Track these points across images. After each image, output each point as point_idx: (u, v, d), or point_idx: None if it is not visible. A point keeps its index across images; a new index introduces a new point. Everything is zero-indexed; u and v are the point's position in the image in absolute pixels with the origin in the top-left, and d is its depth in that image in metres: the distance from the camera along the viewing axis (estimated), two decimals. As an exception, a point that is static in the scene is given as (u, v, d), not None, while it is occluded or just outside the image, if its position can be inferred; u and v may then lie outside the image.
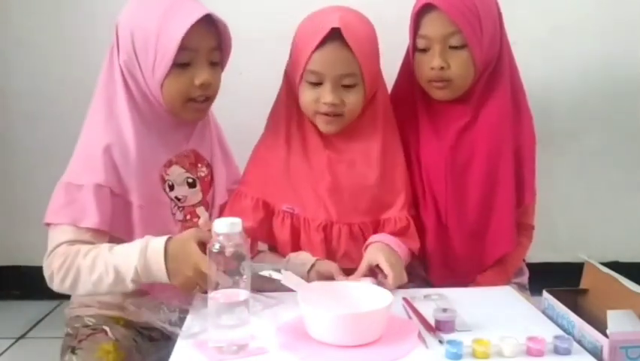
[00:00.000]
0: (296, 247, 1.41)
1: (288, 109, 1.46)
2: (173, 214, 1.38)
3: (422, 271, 1.51)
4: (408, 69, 1.53)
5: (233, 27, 1.35)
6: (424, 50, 1.45)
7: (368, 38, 1.40)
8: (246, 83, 1.98)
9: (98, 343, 1.29)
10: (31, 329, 2.05)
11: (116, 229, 1.28)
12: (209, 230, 1.07)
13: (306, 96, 1.39)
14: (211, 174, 1.45)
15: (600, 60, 2.15)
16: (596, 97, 2.17)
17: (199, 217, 1.30)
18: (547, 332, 1.04)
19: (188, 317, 1.14)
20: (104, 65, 1.36)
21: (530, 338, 1.00)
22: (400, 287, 1.31)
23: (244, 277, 1.01)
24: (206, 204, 1.42)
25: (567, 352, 0.99)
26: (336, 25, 1.33)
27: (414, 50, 1.48)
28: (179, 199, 1.39)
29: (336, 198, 1.40)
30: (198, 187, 1.42)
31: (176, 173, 1.39)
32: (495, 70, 1.48)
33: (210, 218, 1.30)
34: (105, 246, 1.23)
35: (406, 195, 1.46)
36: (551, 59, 2.13)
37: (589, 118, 2.19)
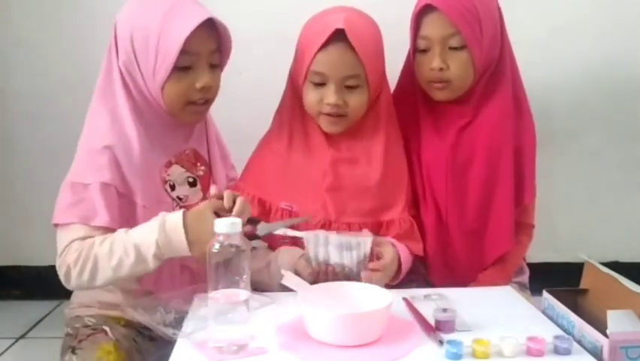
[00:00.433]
0: (293, 245, 1.40)
1: (292, 108, 1.46)
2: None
3: (423, 269, 1.51)
4: (409, 70, 1.53)
5: (233, 27, 1.35)
6: (424, 51, 1.45)
7: (373, 40, 1.40)
8: (245, 83, 1.98)
9: (98, 343, 1.29)
10: (31, 329, 2.05)
11: (122, 227, 1.28)
12: (222, 199, 1.20)
13: (310, 96, 1.39)
14: (210, 173, 1.46)
15: (600, 60, 2.15)
16: (596, 97, 2.17)
17: None
18: (547, 332, 1.04)
19: (188, 317, 1.14)
20: (102, 65, 1.36)
21: (530, 338, 1.00)
22: (401, 287, 1.31)
23: (244, 277, 1.01)
24: (206, 204, 1.42)
25: (567, 352, 0.99)
26: (340, 26, 1.32)
27: (414, 50, 1.48)
28: (180, 199, 1.39)
29: (336, 198, 1.40)
30: (199, 186, 1.42)
31: (177, 173, 1.39)
32: (496, 70, 1.49)
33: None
34: (120, 230, 1.24)
35: (407, 196, 1.46)
36: (551, 59, 2.13)
37: (589, 118, 2.19)
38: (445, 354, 0.99)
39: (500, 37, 1.47)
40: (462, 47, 1.42)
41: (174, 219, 1.21)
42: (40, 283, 2.16)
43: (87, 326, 1.34)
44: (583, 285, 1.22)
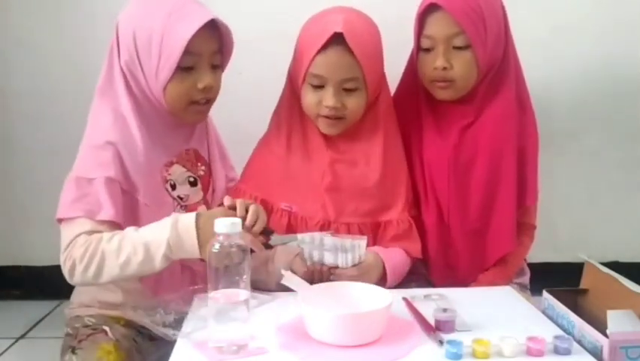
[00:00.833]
0: None
1: (290, 108, 1.46)
2: (176, 214, 1.38)
3: (424, 269, 1.51)
4: (412, 69, 1.53)
5: (233, 27, 1.35)
6: (428, 50, 1.45)
7: (372, 42, 1.39)
8: (246, 83, 1.98)
9: (98, 343, 1.29)
10: (31, 329, 2.05)
11: (126, 224, 1.28)
12: (234, 209, 1.21)
13: (308, 98, 1.39)
14: (209, 172, 1.46)
15: (600, 60, 2.15)
16: (596, 97, 2.17)
17: None
18: (547, 332, 1.04)
19: (188, 317, 1.14)
20: (104, 64, 1.36)
21: (530, 338, 1.00)
22: (401, 287, 1.32)
23: (244, 277, 1.01)
24: (207, 203, 1.42)
25: (567, 352, 0.99)
26: (339, 29, 1.32)
27: (418, 49, 1.48)
28: (181, 198, 1.39)
29: (336, 198, 1.40)
30: (199, 186, 1.42)
31: (178, 172, 1.39)
32: (500, 70, 1.48)
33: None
34: (129, 228, 1.24)
35: (407, 197, 1.46)
36: (551, 59, 2.13)
37: (589, 118, 2.19)
38: (445, 354, 0.99)
39: (504, 37, 1.47)
40: (466, 47, 1.42)
41: (187, 219, 1.21)
42: (40, 283, 2.16)
43: (87, 326, 1.34)
44: (583, 285, 1.22)
